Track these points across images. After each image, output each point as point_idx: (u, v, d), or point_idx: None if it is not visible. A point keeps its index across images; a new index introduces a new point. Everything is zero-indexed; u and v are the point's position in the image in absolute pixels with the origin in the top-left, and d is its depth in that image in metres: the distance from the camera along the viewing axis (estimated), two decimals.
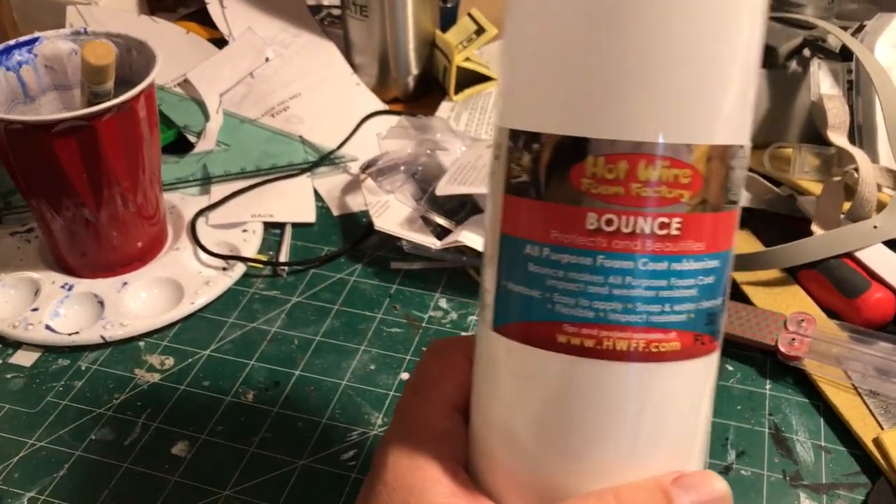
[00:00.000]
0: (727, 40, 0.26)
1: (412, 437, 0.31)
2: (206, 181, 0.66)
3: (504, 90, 0.28)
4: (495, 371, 0.29)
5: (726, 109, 0.26)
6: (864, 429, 0.47)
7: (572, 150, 0.26)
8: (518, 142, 0.27)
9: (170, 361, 0.53)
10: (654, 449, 0.28)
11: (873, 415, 0.47)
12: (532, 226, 0.27)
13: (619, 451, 0.28)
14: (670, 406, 0.28)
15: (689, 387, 0.28)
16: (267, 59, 0.77)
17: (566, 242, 0.26)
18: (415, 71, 0.78)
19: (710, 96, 0.26)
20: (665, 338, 0.27)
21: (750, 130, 0.28)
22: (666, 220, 0.26)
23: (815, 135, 0.59)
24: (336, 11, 0.86)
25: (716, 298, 0.27)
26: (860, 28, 0.59)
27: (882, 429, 0.47)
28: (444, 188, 0.59)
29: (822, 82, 0.57)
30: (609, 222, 0.26)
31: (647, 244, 0.26)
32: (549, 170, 0.26)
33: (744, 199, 0.59)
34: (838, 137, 0.56)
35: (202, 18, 0.82)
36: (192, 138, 0.70)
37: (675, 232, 0.26)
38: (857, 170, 0.54)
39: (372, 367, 0.53)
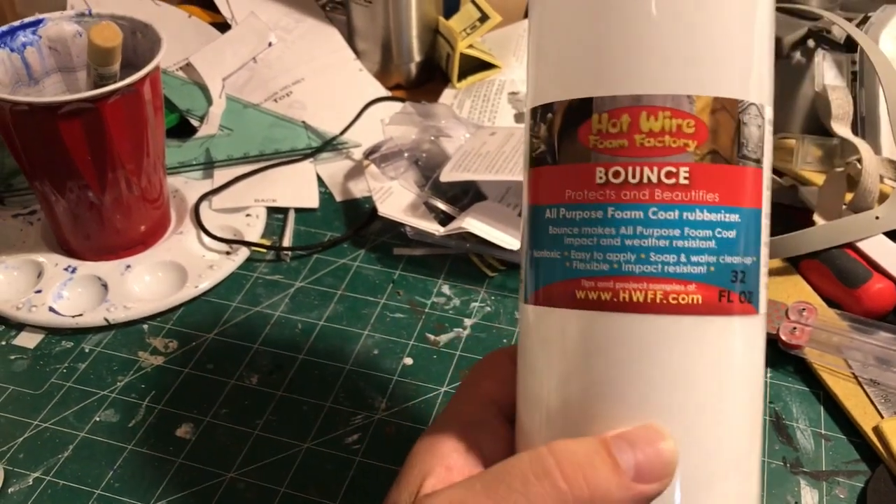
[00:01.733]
0: (714, 9, 0.27)
1: (438, 427, 0.31)
2: (209, 165, 0.66)
3: (529, 85, 0.30)
4: (527, 342, 0.30)
5: (730, 63, 0.27)
6: (864, 417, 0.47)
7: (579, 110, 0.27)
8: (536, 117, 0.29)
9: (173, 344, 0.53)
10: (678, 413, 0.27)
11: (873, 403, 0.48)
12: (550, 190, 0.28)
13: (642, 409, 0.27)
14: (692, 364, 0.27)
15: (715, 345, 0.27)
16: (270, 44, 0.77)
17: (579, 199, 0.27)
18: (417, 58, 0.78)
19: (710, 49, 0.27)
20: (684, 289, 0.26)
21: (768, 95, 0.28)
22: (673, 168, 0.26)
23: (817, 126, 0.59)
24: None
25: (743, 256, 0.27)
26: (865, 19, 0.59)
27: (882, 417, 0.47)
28: (448, 175, 0.59)
29: (827, 73, 0.58)
30: (616, 174, 0.27)
31: (655, 193, 0.26)
32: (561, 134, 0.28)
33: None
34: (842, 128, 0.56)
35: (204, 2, 0.82)
36: (194, 122, 0.70)
37: (683, 181, 0.26)
38: (859, 161, 0.54)
39: (375, 351, 0.53)
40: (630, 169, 0.27)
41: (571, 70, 0.28)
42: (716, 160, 0.27)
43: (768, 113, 0.28)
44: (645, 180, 0.26)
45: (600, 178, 0.27)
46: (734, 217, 0.27)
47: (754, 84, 0.28)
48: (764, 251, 0.28)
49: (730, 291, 0.27)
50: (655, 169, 0.26)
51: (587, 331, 0.27)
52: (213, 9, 0.81)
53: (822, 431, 0.48)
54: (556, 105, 0.28)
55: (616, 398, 0.27)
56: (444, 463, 0.29)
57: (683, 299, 0.27)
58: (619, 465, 0.26)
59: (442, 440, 0.30)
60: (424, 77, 0.79)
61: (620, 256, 0.27)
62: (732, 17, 0.27)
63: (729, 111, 0.27)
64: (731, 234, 0.27)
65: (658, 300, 0.26)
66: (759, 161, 0.28)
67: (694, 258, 0.26)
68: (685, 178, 0.26)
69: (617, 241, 0.27)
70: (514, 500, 0.25)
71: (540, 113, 0.29)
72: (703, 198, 0.26)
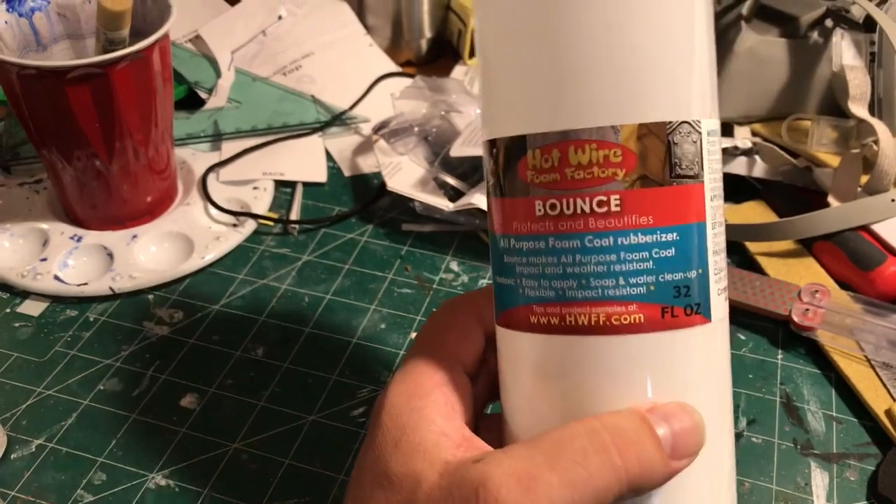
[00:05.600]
0: (625, 30, 0.27)
1: (411, 384, 0.31)
2: (217, 138, 0.66)
3: (481, 114, 0.32)
4: (499, 358, 0.32)
5: (653, 89, 0.27)
6: (877, 400, 0.47)
7: (516, 147, 0.29)
8: (488, 151, 0.30)
9: (179, 315, 0.53)
10: None
11: (885, 386, 0.47)
12: (502, 221, 0.30)
13: None
14: (644, 380, 0.28)
15: (667, 359, 0.28)
16: (280, 18, 0.76)
17: (523, 230, 0.29)
18: (428, 34, 0.77)
19: (631, 78, 0.27)
20: (624, 310, 0.28)
21: (707, 107, 0.29)
22: (603, 197, 0.28)
23: (833, 107, 0.58)
24: None
25: (685, 271, 0.28)
26: None
27: (894, 400, 0.46)
28: (458, 150, 0.58)
29: (845, 53, 0.57)
30: (553, 206, 0.28)
31: (589, 222, 0.28)
32: (505, 169, 0.29)
33: (760, 170, 0.59)
34: (859, 109, 0.55)
35: None
36: (203, 94, 0.69)
37: (615, 209, 0.27)
38: (876, 142, 0.53)
39: (382, 326, 0.52)
40: (564, 201, 0.28)
41: (508, 109, 0.29)
42: (646, 184, 0.27)
43: (708, 125, 0.28)
44: (579, 211, 0.28)
45: (539, 210, 0.28)
46: (672, 236, 0.28)
47: (685, 102, 0.28)
48: (714, 259, 0.29)
49: (673, 307, 0.28)
50: (587, 199, 0.28)
51: (543, 353, 0.29)
52: None
53: (834, 414, 0.47)
54: (498, 142, 0.29)
55: (580, 416, 0.28)
56: (438, 429, 0.29)
57: (626, 319, 0.28)
58: (659, 441, 0.27)
59: (423, 403, 0.30)
60: (435, 54, 0.78)
61: (564, 283, 0.28)
62: (652, 45, 0.27)
63: (657, 134, 0.27)
64: (670, 252, 0.28)
65: (602, 322, 0.28)
66: (696, 176, 0.28)
67: (633, 280, 0.28)
68: (616, 205, 0.27)
69: (559, 269, 0.28)
70: (577, 472, 0.26)
71: (488, 147, 0.30)
72: (637, 221, 0.27)
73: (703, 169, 0.28)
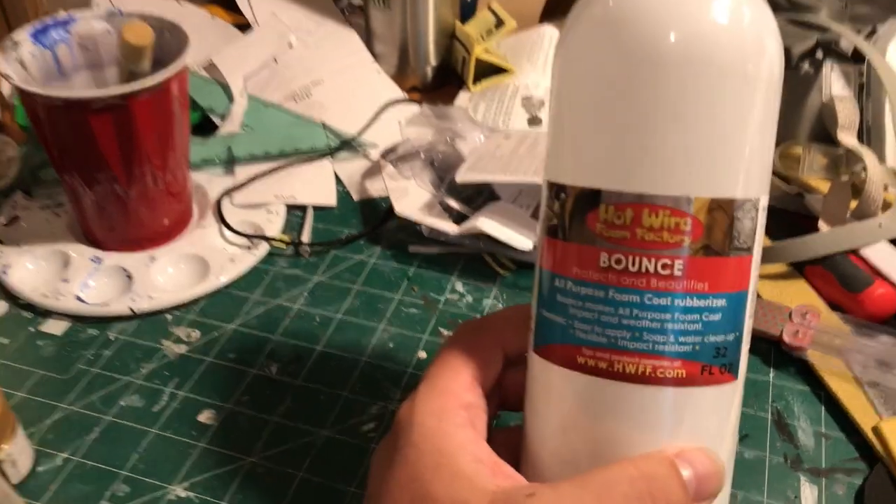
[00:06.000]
0: (715, 114, 0.29)
1: (440, 404, 0.33)
2: (230, 162, 0.68)
3: (547, 152, 0.33)
4: (533, 385, 0.34)
5: (727, 167, 0.29)
6: (864, 417, 0.49)
7: (589, 199, 0.30)
8: (552, 192, 0.32)
9: (196, 334, 0.55)
10: None
11: (873, 404, 0.49)
12: (560, 262, 0.32)
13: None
14: (676, 427, 0.31)
15: (696, 411, 0.31)
16: (290, 45, 0.79)
17: (584, 277, 0.31)
18: (433, 62, 0.80)
19: (708, 155, 0.29)
20: (670, 365, 0.30)
21: (764, 186, 0.31)
22: (668, 261, 0.30)
23: (824, 135, 0.61)
24: (357, 1, 0.88)
25: (726, 334, 0.31)
26: (873, 32, 0.61)
27: (881, 418, 0.49)
28: (463, 176, 0.60)
29: (834, 84, 0.59)
30: (618, 261, 0.30)
31: (651, 282, 0.30)
32: (572, 215, 0.31)
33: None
34: (848, 137, 0.58)
35: (227, 3, 0.84)
36: (216, 120, 0.72)
37: (677, 273, 0.30)
38: (864, 169, 0.56)
39: (391, 345, 0.55)
40: (630, 258, 0.30)
41: (584, 159, 0.31)
42: (708, 254, 0.30)
43: (763, 202, 0.31)
44: (643, 269, 0.30)
45: (604, 262, 0.30)
46: (721, 302, 0.30)
47: (751, 182, 0.30)
48: (747, 323, 0.31)
49: (711, 366, 0.31)
50: (653, 260, 0.30)
51: (586, 392, 0.31)
52: (236, 10, 0.83)
53: (823, 430, 0.49)
54: (569, 189, 0.31)
55: (609, 457, 0.31)
56: (472, 455, 0.31)
57: (670, 373, 0.30)
58: (686, 485, 0.30)
59: (454, 427, 0.32)
60: (440, 80, 0.81)
61: (617, 333, 0.30)
62: (730, 125, 0.29)
63: (724, 209, 0.29)
64: (717, 317, 0.30)
65: (647, 373, 0.30)
66: (749, 249, 0.30)
67: (682, 338, 0.30)
68: (679, 270, 0.30)
69: (615, 320, 0.30)
70: None
71: (555, 190, 0.32)
72: (694, 287, 0.30)
73: (755, 242, 0.31)
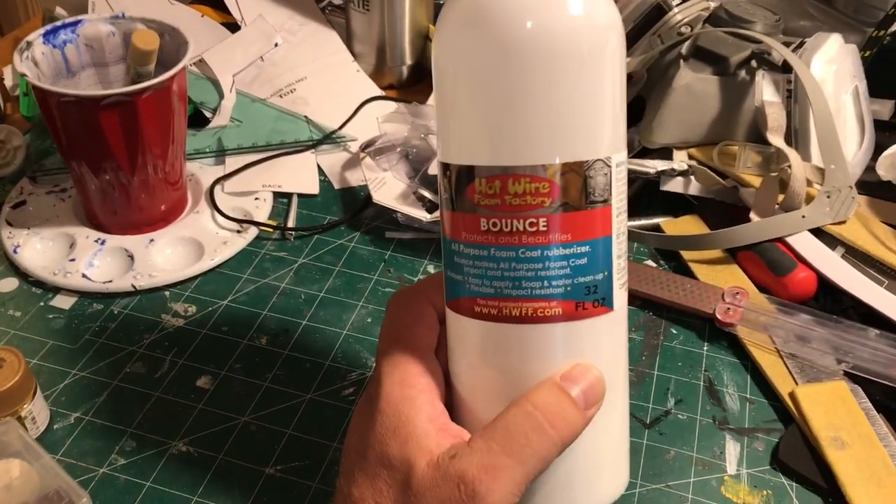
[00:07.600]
0: (554, 92, 0.34)
1: (400, 374, 0.38)
2: (221, 153, 0.74)
3: (437, 136, 0.39)
4: (449, 336, 0.40)
5: (571, 136, 0.35)
6: (783, 384, 0.56)
7: (466, 174, 0.36)
8: (442, 170, 0.38)
9: (192, 309, 0.61)
10: None
11: (791, 373, 0.56)
12: (453, 229, 0.37)
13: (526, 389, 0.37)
14: (564, 357, 0.36)
15: (581, 340, 0.37)
16: (276, 45, 0.84)
17: (471, 240, 0.36)
18: (409, 61, 0.86)
19: (557, 127, 0.35)
20: (548, 305, 0.36)
21: (618, 143, 0.36)
22: (534, 220, 0.35)
23: (758, 135, 0.67)
24: (337, 1, 0.93)
25: (594, 274, 0.36)
26: (801, 44, 0.67)
27: (797, 384, 0.56)
28: (435, 168, 0.67)
29: (765, 90, 0.66)
30: (494, 224, 0.35)
31: (523, 238, 0.35)
32: (456, 189, 0.36)
33: (695, 188, 0.68)
34: (776, 139, 0.65)
35: (215, 3, 0.89)
36: (207, 114, 0.77)
37: (542, 228, 0.35)
38: (790, 167, 0.63)
39: (369, 320, 0.61)
40: (504, 221, 0.35)
41: (462, 141, 0.36)
42: (567, 209, 0.35)
43: (617, 158, 0.36)
44: (515, 229, 0.35)
45: (483, 226, 0.36)
46: (585, 248, 0.36)
47: (598, 144, 0.35)
48: (618, 262, 0.37)
49: (584, 302, 0.36)
50: (522, 220, 0.35)
51: (485, 336, 0.37)
52: (224, 9, 0.88)
53: (748, 396, 0.56)
54: (452, 167, 0.37)
55: (512, 392, 0.36)
56: (426, 416, 0.37)
57: (549, 312, 0.36)
58: (575, 401, 0.35)
59: (414, 392, 0.37)
60: (415, 78, 0.87)
61: (502, 284, 0.36)
62: (567, 101, 0.34)
63: (576, 171, 0.35)
64: (583, 261, 0.36)
65: (530, 314, 0.36)
66: (606, 201, 0.36)
67: (554, 282, 0.35)
68: (544, 226, 0.35)
69: (499, 273, 0.36)
70: (525, 452, 0.34)
71: (443, 168, 0.37)
72: (559, 238, 0.35)
73: (611, 194, 0.36)
